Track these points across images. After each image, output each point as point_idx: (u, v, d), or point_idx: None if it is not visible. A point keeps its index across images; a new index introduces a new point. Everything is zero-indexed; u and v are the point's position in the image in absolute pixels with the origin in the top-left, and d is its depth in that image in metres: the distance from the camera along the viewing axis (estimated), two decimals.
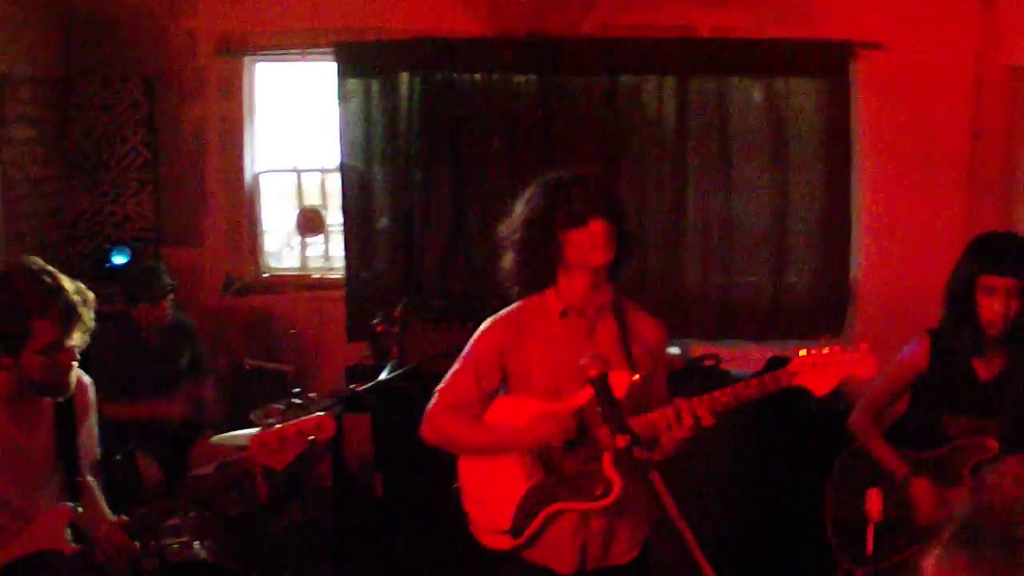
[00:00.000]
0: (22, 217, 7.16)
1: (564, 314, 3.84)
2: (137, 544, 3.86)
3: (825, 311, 7.30)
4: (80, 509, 3.87)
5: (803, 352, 3.56)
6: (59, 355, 3.70)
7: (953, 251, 4.53)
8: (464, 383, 3.92)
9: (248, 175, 7.77)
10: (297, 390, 5.84)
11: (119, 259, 7.39)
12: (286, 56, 7.63)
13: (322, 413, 3.89)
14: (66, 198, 7.75)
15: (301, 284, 7.83)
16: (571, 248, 3.73)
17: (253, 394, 6.83)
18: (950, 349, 4.45)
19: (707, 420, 3.56)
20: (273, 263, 8.06)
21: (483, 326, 3.96)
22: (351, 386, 6.06)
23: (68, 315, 3.67)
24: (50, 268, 3.76)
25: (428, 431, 3.95)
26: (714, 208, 7.26)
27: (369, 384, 5.41)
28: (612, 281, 3.88)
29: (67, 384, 3.82)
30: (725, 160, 7.18)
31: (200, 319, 7.17)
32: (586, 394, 3.57)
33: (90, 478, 4.09)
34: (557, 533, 3.83)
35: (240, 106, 7.69)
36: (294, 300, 7.71)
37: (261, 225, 7.91)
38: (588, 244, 3.70)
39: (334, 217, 7.76)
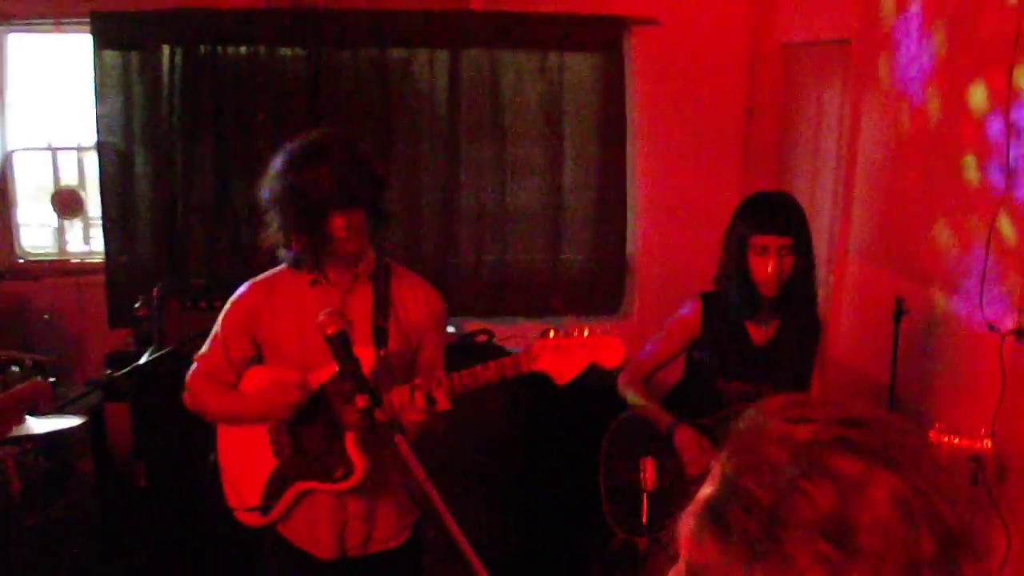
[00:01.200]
0: None
1: (314, 282, 3.71)
2: None
3: (602, 288, 7.29)
4: None
5: (551, 334, 3.40)
6: None
7: None
8: (215, 351, 3.82)
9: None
10: (52, 380, 5.55)
11: None
12: (39, 26, 7.17)
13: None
14: None
15: (59, 269, 7.40)
16: (328, 231, 3.57)
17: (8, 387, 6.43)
18: (723, 312, 4.39)
19: (443, 403, 3.41)
20: (28, 247, 7.60)
21: (236, 293, 3.84)
22: (107, 372, 5.80)
23: None
24: None
25: (187, 398, 3.87)
26: (488, 185, 7.16)
27: (126, 369, 5.15)
28: (373, 251, 3.76)
29: None
30: (499, 136, 7.08)
31: None
32: (331, 368, 3.42)
33: None
34: (311, 514, 3.75)
35: None
36: (52, 286, 7.27)
37: (15, 207, 7.43)
38: (335, 235, 3.55)
39: (94, 198, 7.34)
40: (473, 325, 6.71)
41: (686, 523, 1.40)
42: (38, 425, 5.39)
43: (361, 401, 3.06)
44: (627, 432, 4.57)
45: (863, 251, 5.79)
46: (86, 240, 7.66)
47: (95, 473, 6.18)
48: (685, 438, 4.28)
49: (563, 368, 3.35)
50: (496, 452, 6.06)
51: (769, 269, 4.16)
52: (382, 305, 3.69)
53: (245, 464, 3.78)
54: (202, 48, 6.91)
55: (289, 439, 3.70)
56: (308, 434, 3.66)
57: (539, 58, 6.98)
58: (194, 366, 3.87)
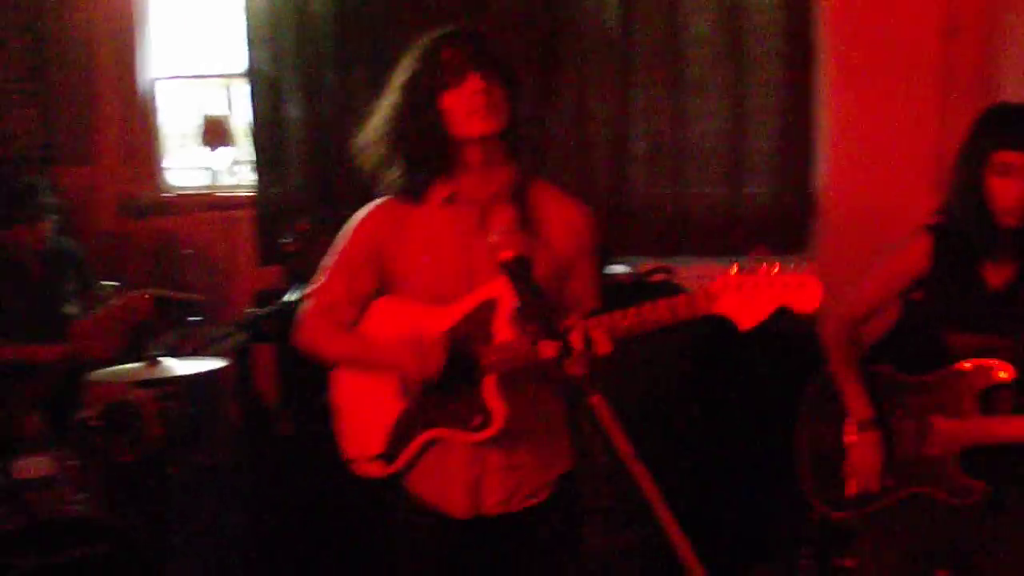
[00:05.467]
0: None
1: (449, 200, 3.24)
2: None
3: (787, 224, 6.68)
4: None
5: (734, 271, 2.82)
6: None
7: (927, 161, 3.86)
8: (334, 284, 3.40)
9: (144, 83, 7.07)
10: (198, 318, 5.30)
11: None
12: None
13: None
14: None
15: (207, 203, 7.12)
16: (450, 116, 3.12)
17: (157, 326, 6.23)
18: (953, 248, 3.73)
19: (604, 346, 2.84)
20: (174, 181, 7.35)
21: (356, 217, 3.41)
22: (252, 311, 5.51)
23: None
24: None
25: (299, 338, 3.49)
26: (662, 114, 6.60)
27: (270, 308, 4.83)
28: (514, 161, 3.26)
29: None
30: (674, 60, 6.52)
31: (95, 245, 6.49)
32: (468, 304, 3.13)
33: None
34: (442, 466, 3.32)
35: (131, 6, 6.98)
36: (200, 221, 7.02)
37: (160, 139, 7.21)
38: (466, 108, 3.08)
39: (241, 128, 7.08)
40: (648, 265, 6.20)
41: None
42: (180, 367, 5.11)
43: (549, 349, 2.61)
44: (830, 389, 3.99)
45: None
46: (233, 173, 7.38)
47: (240, 419, 5.91)
48: (865, 455, 3.78)
49: (747, 311, 2.79)
50: (665, 412, 5.50)
51: (1015, 193, 3.52)
52: (526, 227, 3.15)
53: (366, 406, 3.38)
54: None
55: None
56: (446, 375, 3.18)
57: None
58: (308, 302, 3.48)
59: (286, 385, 5.72)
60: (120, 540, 4.45)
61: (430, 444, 3.27)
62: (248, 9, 6.65)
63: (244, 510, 5.79)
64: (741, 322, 2.80)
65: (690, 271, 6.18)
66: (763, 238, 6.58)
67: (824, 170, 6.66)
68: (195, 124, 7.13)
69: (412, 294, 3.27)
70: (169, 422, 5.15)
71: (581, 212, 3.36)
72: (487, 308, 3.11)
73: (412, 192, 3.26)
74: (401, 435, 3.29)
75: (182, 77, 7.30)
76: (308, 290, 3.49)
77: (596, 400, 2.48)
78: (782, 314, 2.84)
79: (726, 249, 6.52)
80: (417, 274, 3.26)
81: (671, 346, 5.25)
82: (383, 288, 3.35)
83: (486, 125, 3.09)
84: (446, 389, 3.15)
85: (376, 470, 3.36)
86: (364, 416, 3.38)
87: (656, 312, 2.85)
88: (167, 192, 7.25)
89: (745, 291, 2.78)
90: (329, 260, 3.43)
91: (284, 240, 6.14)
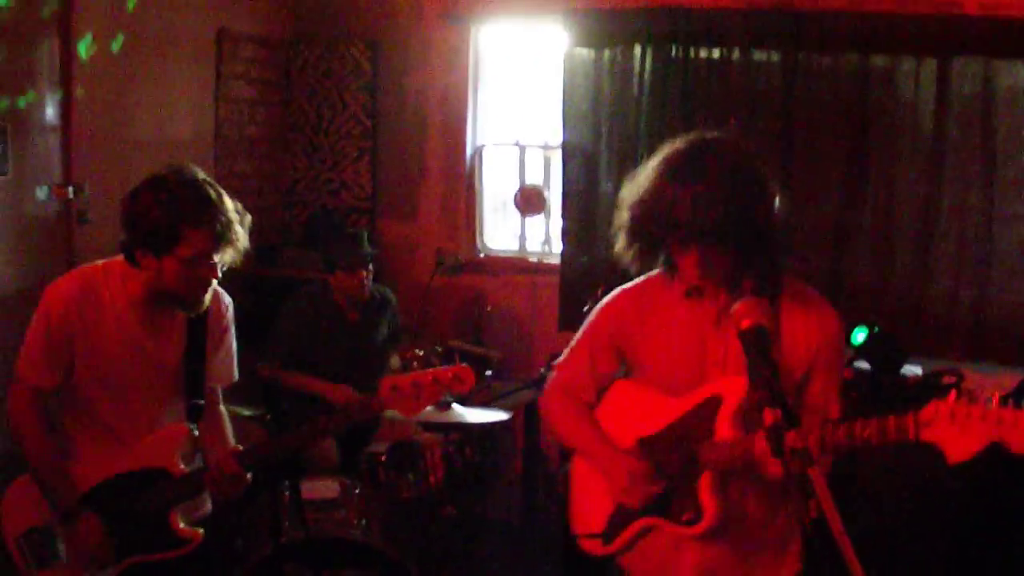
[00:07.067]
0: (233, 176, 6.96)
1: (689, 293, 3.20)
2: (248, 475, 3.73)
3: None
4: (196, 432, 3.83)
5: (953, 398, 2.61)
6: (201, 268, 3.55)
7: None
8: (578, 363, 3.47)
9: (469, 148, 7.44)
10: (488, 372, 5.47)
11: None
12: (512, 20, 7.22)
13: (464, 365, 3.67)
14: (282, 162, 7.58)
15: (517, 267, 7.41)
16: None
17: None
18: None
19: (815, 455, 2.61)
20: (490, 243, 7.65)
21: (606, 299, 3.45)
22: (542, 370, 5.66)
23: (222, 230, 3.52)
24: (212, 181, 3.62)
25: (544, 408, 3.62)
26: (973, 211, 6.38)
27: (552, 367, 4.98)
28: (762, 263, 3.12)
29: (201, 300, 3.67)
30: (988, 156, 6.31)
31: (410, 296, 6.91)
32: (694, 399, 3.13)
33: (222, 408, 4.04)
34: (657, 554, 3.33)
35: (464, 75, 7.36)
36: (508, 282, 7.32)
37: (480, 201, 7.54)
38: (684, 265, 3.09)
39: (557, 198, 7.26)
40: (940, 368, 5.94)
41: None
42: (469, 415, 5.33)
43: (771, 416, 2.57)
44: None
45: None
46: (546, 240, 7.59)
47: (522, 473, 6.05)
48: None
49: (958, 443, 2.57)
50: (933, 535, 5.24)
51: None
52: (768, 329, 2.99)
53: (594, 487, 3.44)
54: (675, 48, 6.68)
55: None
56: (665, 463, 3.22)
57: None
58: (553, 373, 3.58)
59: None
60: (391, 569, 4.62)
61: (646, 531, 3.30)
62: (566, 82, 6.87)
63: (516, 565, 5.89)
64: (950, 454, 2.60)
65: (985, 378, 5.98)
66: None
67: None
68: (513, 191, 7.38)
69: (649, 380, 3.32)
70: (451, 466, 5.33)
71: (826, 314, 3.23)
72: (712, 405, 3.10)
73: (667, 272, 3.24)
74: (620, 519, 3.34)
75: (505, 145, 7.57)
76: (557, 361, 3.58)
77: (813, 472, 2.45)
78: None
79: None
80: (653, 362, 3.29)
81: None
82: (628, 370, 3.44)
83: (697, 279, 3.11)
84: (665, 475, 3.20)
85: (595, 548, 3.43)
86: (591, 495, 3.45)
87: (866, 431, 2.72)
88: (481, 252, 7.55)
89: (958, 421, 2.59)
90: (577, 337, 3.51)
91: (586, 308, 6.24)
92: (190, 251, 3.48)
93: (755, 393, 2.72)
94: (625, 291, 3.39)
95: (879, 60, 6.41)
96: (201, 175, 3.59)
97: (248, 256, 3.68)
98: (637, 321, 3.31)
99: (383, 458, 5.21)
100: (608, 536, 3.37)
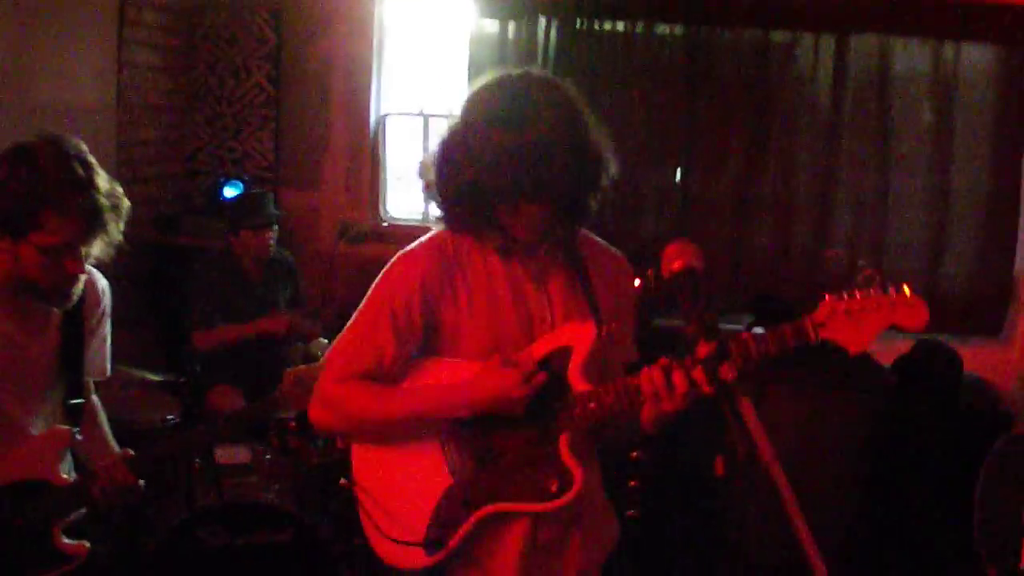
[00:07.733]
0: (136, 144, 6.89)
1: (503, 250, 2.81)
2: (141, 482, 3.30)
3: (983, 308, 6.66)
4: (79, 436, 3.35)
5: (843, 296, 2.56)
6: (64, 260, 3.02)
7: None
8: (371, 345, 2.81)
9: (373, 117, 7.43)
10: None
11: (231, 192, 7.08)
12: None
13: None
14: (185, 130, 7.51)
15: (420, 236, 7.33)
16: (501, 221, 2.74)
17: None
18: None
19: (706, 386, 2.52)
20: (393, 212, 7.67)
21: (393, 267, 2.87)
22: None
23: (90, 219, 2.99)
24: (90, 159, 3.05)
25: (316, 411, 2.89)
26: (867, 184, 6.67)
27: None
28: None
29: (67, 293, 3.14)
30: (882, 131, 6.58)
31: (312, 265, 6.94)
32: (546, 345, 2.74)
33: (95, 398, 3.56)
34: (496, 547, 2.84)
35: (369, 44, 7.34)
36: None
37: (384, 171, 7.55)
38: (522, 225, 2.73)
39: None
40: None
41: None
42: None
43: (705, 348, 2.47)
44: (1014, 451, 3.98)
45: None
46: None
47: None
48: None
49: (855, 335, 2.54)
50: (839, 475, 5.40)
51: None
52: (584, 274, 2.87)
53: (399, 488, 2.86)
54: (579, 21, 6.77)
55: (475, 448, 2.81)
56: (503, 439, 2.79)
57: (932, 47, 6.46)
58: (328, 369, 2.89)
59: None
60: (304, 532, 4.60)
61: (486, 523, 2.82)
62: (471, 56, 6.91)
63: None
64: (851, 347, 2.57)
65: (881, 344, 6.11)
66: (958, 319, 6.55)
67: None
68: (416, 161, 7.32)
69: (460, 352, 2.82)
70: None
71: (625, 263, 3.03)
72: (560, 357, 2.74)
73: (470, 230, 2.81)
74: (449, 517, 2.82)
75: (408, 114, 7.59)
76: (326, 355, 3.00)
77: (746, 407, 2.41)
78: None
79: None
80: (472, 329, 2.80)
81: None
82: (425, 348, 2.87)
83: (539, 236, 2.78)
84: (508, 452, 2.80)
85: (417, 560, 2.83)
86: (396, 497, 2.88)
87: (763, 344, 2.57)
88: (384, 222, 7.57)
89: (852, 316, 2.55)
90: (358, 320, 2.88)
91: None
92: (51, 239, 2.97)
93: (687, 326, 2.54)
94: (415, 254, 2.86)
95: (779, 36, 6.61)
96: (76, 150, 3.05)
97: (124, 246, 3.14)
98: (447, 285, 2.79)
99: (292, 424, 5.22)
100: (435, 542, 2.81)
